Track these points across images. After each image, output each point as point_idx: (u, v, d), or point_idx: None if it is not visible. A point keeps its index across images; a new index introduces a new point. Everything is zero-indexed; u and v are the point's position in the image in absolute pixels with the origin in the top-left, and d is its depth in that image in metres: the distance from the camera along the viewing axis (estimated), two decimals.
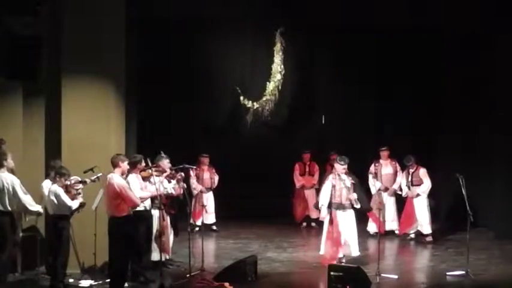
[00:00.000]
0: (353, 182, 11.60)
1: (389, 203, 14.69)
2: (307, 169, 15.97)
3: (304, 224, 15.95)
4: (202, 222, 14.25)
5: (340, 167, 11.67)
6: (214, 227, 15.28)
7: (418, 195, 13.99)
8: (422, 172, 13.99)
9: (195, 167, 11.20)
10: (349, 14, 14.49)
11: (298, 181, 15.88)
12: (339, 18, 14.67)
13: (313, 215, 15.95)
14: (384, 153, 14.74)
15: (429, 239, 14.03)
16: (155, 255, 11.28)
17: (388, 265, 11.96)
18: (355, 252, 11.77)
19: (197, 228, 14.99)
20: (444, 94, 16.18)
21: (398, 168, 14.65)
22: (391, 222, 14.68)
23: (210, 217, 15.22)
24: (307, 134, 17.02)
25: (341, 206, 11.61)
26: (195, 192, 15.09)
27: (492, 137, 14.57)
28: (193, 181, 15.03)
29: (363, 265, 11.11)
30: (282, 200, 16.00)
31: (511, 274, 11.53)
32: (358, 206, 11.56)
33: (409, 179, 14.10)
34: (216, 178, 15.26)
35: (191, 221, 15.10)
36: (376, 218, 13.62)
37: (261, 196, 15.95)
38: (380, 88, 17.10)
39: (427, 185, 13.95)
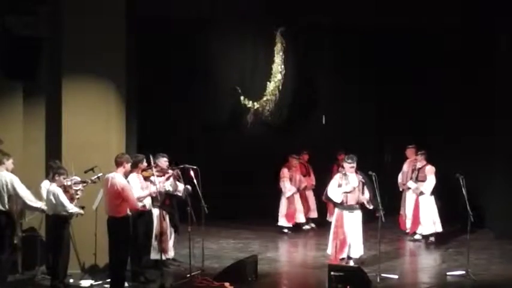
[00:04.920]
0: (362, 180, 11.54)
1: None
2: (304, 170, 15.77)
3: (307, 226, 15.69)
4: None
5: (347, 166, 11.63)
6: (307, 226, 15.43)
7: (421, 193, 13.98)
8: (429, 169, 13.91)
9: (195, 167, 11.12)
10: (349, 14, 14.49)
11: (302, 182, 15.57)
12: (339, 18, 14.66)
13: (312, 214, 15.87)
14: (408, 151, 14.64)
15: (432, 239, 14.02)
16: (155, 255, 11.29)
17: (389, 265, 11.94)
18: (359, 253, 11.66)
19: (286, 230, 15.02)
20: (444, 94, 16.18)
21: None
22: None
23: (300, 216, 15.26)
24: (308, 134, 17.01)
25: (348, 207, 11.56)
26: (288, 194, 15.06)
27: (492, 137, 14.57)
28: (286, 183, 15.06)
29: (363, 265, 11.11)
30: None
31: (511, 274, 11.53)
32: (371, 207, 11.49)
33: (416, 174, 14.10)
34: (303, 178, 15.38)
35: (282, 222, 15.10)
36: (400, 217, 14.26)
37: (261, 196, 15.92)
38: (380, 88, 17.10)
39: (429, 182, 13.86)
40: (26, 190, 10.38)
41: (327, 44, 16.82)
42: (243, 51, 16.69)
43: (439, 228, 14.01)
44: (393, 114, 17.36)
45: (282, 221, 15.16)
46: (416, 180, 14.08)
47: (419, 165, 14.07)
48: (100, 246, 10.91)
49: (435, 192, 14.01)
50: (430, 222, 13.93)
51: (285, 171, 15.21)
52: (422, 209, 13.98)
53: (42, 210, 10.62)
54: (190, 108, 16.46)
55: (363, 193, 11.57)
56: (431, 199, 13.97)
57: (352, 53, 16.59)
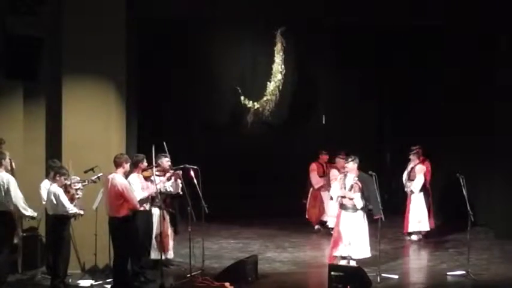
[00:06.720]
0: (357, 183, 11.43)
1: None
2: (325, 170, 15.13)
3: (317, 226, 15.30)
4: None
5: (345, 165, 11.66)
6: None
7: (412, 191, 14.06)
8: (419, 168, 14.01)
9: (195, 167, 11.10)
10: (349, 13, 14.48)
11: (318, 182, 15.11)
12: (339, 18, 14.67)
13: (325, 217, 15.67)
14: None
15: (423, 234, 14.10)
16: (155, 255, 11.28)
17: (389, 265, 11.95)
18: (362, 254, 11.46)
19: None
20: (444, 94, 16.18)
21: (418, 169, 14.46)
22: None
23: None
24: (308, 134, 17.01)
25: (344, 206, 11.53)
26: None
27: (492, 137, 14.57)
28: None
29: (363, 265, 11.11)
30: (283, 199, 15.95)
31: (511, 274, 11.53)
32: (359, 206, 11.44)
33: (408, 173, 14.16)
34: None
35: (332, 223, 14.81)
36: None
37: (261, 196, 15.92)
38: (380, 88, 17.10)
39: (417, 181, 13.96)
40: (19, 196, 10.16)
41: (327, 44, 16.82)
42: (243, 51, 16.69)
43: (425, 227, 14.08)
44: (393, 114, 17.37)
45: (333, 222, 14.93)
46: (408, 179, 14.15)
47: (412, 164, 14.14)
48: (100, 246, 10.92)
49: (428, 191, 14.13)
50: (416, 220, 14.03)
51: (335, 173, 14.39)
52: (413, 207, 14.08)
53: (32, 218, 10.57)
54: (190, 108, 16.46)
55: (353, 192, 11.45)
56: (420, 197, 14.04)
57: (352, 53, 16.59)
